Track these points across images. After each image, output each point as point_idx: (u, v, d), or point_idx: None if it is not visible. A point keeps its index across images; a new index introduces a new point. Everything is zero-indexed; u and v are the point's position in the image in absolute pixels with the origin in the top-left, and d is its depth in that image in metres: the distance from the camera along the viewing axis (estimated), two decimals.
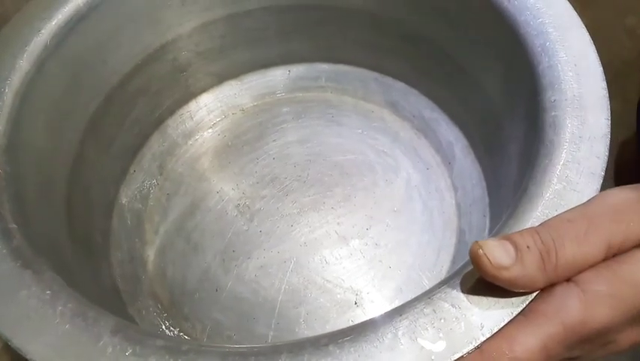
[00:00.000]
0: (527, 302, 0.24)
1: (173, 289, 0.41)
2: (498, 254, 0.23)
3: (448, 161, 0.45)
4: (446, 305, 0.24)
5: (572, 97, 0.30)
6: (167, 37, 0.45)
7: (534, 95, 0.32)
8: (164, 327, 0.39)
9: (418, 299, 0.24)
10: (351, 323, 0.38)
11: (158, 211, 0.45)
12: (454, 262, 0.41)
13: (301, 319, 0.39)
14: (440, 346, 0.23)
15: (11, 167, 0.31)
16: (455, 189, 0.44)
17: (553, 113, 0.30)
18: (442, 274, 0.40)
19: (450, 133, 0.47)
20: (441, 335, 0.23)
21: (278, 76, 0.52)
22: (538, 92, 0.32)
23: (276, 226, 0.43)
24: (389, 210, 0.43)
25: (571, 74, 0.31)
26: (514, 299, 0.24)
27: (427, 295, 0.24)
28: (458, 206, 0.43)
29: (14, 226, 0.28)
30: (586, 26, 0.33)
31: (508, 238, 0.24)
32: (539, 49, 0.33)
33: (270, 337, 0.39)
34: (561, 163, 0.28)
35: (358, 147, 0.47)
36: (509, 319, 0.23)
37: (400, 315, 0.24)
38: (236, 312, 0.40)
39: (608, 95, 0.30)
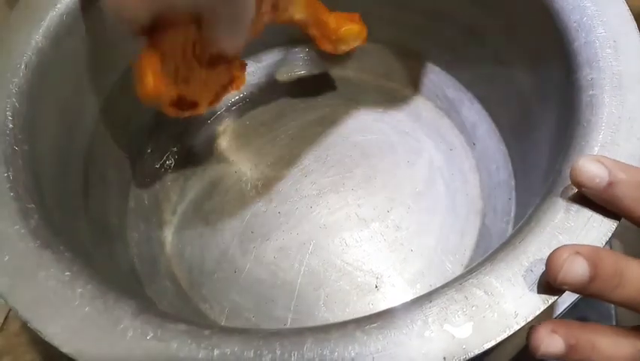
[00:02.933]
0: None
1: (192, 270, 0.41)
2: None
3: (472, 142, 0.44)
4: (478, 292, 0.23)
5: (610, 75, 0.29)
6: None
7: (569, 73, 0.31)
8: (188, 309, 0.39)
9: (448, 285, 0.24)
10: (371, 307, 0.38)
11: (175, 191, 0.44)
12: (477, 245, 0.40)
13: (321, 302, 0.38)
14: (472, 334, 0.22)
15: (29, 145, 0.31)
16: (479, 171, 0.43)
17: (590, 92, 0.28)
18: (466, 257, 0.39)
19: (474, 113, 0.45)
20: (473, 322, 0.22)
21: (297, 53, 0.51)
22: (573, 71, 0.30)
23: (295, 207, 0.42)
24: (411, 192, 0.42)
25: (609, 51, 0.29)
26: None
27: (458, 281, 0.23)
28: (482, 188, 0.42)
29: (32, 205, 0.28)
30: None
31: None
32: (575, 24, 0.31)
33: (289, 319, 0.38)
34: (599, 145, 0.27)
35: (379, 127, 0.46)
36: (545, 307, 0.23)
37: (430, 301, 0.23)
38: (254, 294, 0.39)
39: None
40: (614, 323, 0.39)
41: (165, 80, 0.32)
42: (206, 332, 0.23)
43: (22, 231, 0.27)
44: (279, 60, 0.51)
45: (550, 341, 0.23)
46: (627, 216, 0.24)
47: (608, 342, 0.23)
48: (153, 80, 0.32)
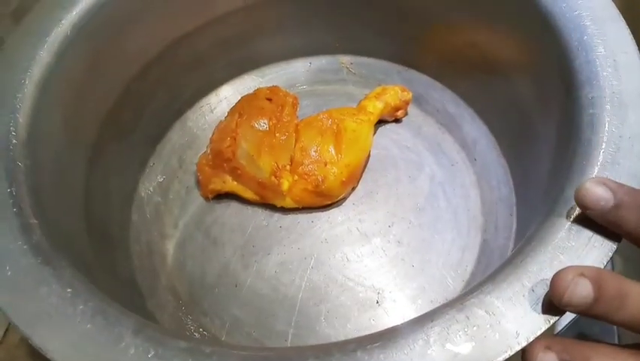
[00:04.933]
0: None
1: (193, 283, 0.41)
2: None
3: (473, 157, 0.44)
4: (480, 312, 0.23)
5: (611, 94, 0.29)
6: (188, 28, 0.44)
7: (569, 91, 0.31)
8: (189, 323, 0.39)
9: (449, 305, 0.24)
10: (372, 322, 0.38)
11: (177, 204, 0.45)
12: (479, 261, 0.40)
13: (322, 317, 0.38)
14: (473, 354, 0.22)
15: (31, 160, 0.31)
16: (480, 186, 0.43)
17: (590, 111, 0.29)
18: (467, 273, 0.39)
19: (475, 129, 0.45)
20: (474, 342, 0.22)
21: (299, 68, 0.51)
22: (574, 89, 0.30)
23: (297, 221, 0.42)
24: (412, 207, 0.42)
25: (610, 69, 0.30)
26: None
27: (460, 301, 0.23)
28: (483, 204, 0.42)
29: (35, 221, 0.28)
30: (625, 19, 0.31)
31: None
32: (576, 43, 0.31)
33: (289, 334, 0.38)
34: (599, 164, 0.27)
35: (380, 142, 0.46)
36: (546, 327, 0.22)
37: (432, 321, 0.23)
38: (255, 308, 0.39)
39: None
40: (616, 339, 0.39)
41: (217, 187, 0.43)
42: (207, 350, 0.23)
43: (25, 247, 0.27)
44: (281, 73, 0.51)
45: (544, 357, 0.23)
46: (630, 239, 0.24)
47: (602, 359, 0.23)
48: (203, 192, 0.44)
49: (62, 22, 0.35)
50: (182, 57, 0.45)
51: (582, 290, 0.22)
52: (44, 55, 0.34)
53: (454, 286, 0.39)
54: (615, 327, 0.40)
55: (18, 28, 0.36)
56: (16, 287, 0.26)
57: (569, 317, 0.37)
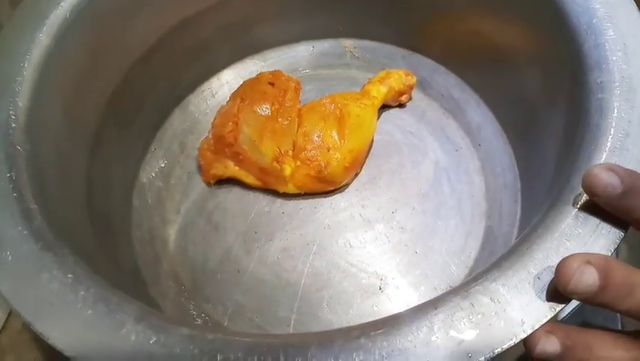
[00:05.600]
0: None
1: (195, 269, 0.41)
2: None
3: (477, 143, 0.44)
4: (485, 299, 0.23)
5: (620, 78, 0.28)
6: (189, 12, 0.43)
7: (578, 76, 0.30)
8: (191, 309, 0.38)
9: (454, 292, 0.23)
10: (375, 309, 0.38)
11: (179, 190, 0.44)
12: (482, 247, 0.40)
13: (324, 303, 0.38)
14: (478, 341, 0.22)
15: (31, 145, 0.31)
16: (485, 172, 0.42)
17: (599, 96, 0.28)
18: (471, 260, 0.39)
19: (480, 114, 0.45)
20: (478, 330, 0.22)
21: (301, 52, 0.50)
22: (582, 73, 0.30)
23: (299, 207, 0.42)
24: (416, 193, 0.42)
25: (619, 53, 0.29)
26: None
27: (464, 288, 0.23)
28: (488, 190, 0.42)
29: (35, 206, 0.28)
30: (636, 2, 0.31)
31: None
32: (585, 26, 0.31)
33: (292, 320, 0.38)
34: (607, 150, 0.26)
35: (384, 127, 0.45)
36: (552, 315, 0.22)
37: (436, 308, 0.23)
38: (258, 294, 0.39)
39: None
40: (619, 326, 0.39)
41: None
42: (210, 337, 0.23)
43: (25, 232, 0.26)
44: (283, 57, 0.51)
45: (547, 341, 0.22)
46: (637, 226, 0.24)
47: (604, 346, 0.23)
48: (205, 178, 0.44)
49: (61, 4, 0.35)
50: (183, 41, 0.45)
51: (588, 278, 0.21)
52: (43, 38, 0.34)
53: (457, 273, 0.39)
54: (619, 315, 0.40)
55: (16, 12, 0.35)
56: (18, 273, 0.25)
57: (572, 304, 0.37)
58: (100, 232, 0.36)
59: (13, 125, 0.30)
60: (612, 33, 0.30)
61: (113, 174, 0.41)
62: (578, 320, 0.37)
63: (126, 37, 0.40)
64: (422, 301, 0.24)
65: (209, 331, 0.23)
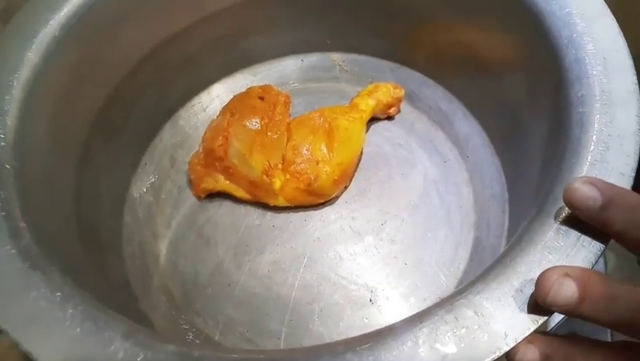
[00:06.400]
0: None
1: (185, 283, 0.41)
2: None
3: (465, 154, 0.44)
4: (469, 312, 0.23)
5: (600, 92, 0.29)
6: (177, 27, 0.44)
7: (559, 89, 0.31)
8: (182, 323, 0.38)
9: (439, 305, 0.24)
10: (365, 321, 0.38)
11: (169, 204, 0.44)
12: (471, 258, 0.40)
13: (315, 316, 0.38)
14: (462, 355, 0.22)
15: (19, 162, 0.31)
16: (473, 183, 0.43)
17: (580, 110, 0.29)
18: (460, 271, 0.39)
19: (467, 126, 0.45)
20: (463, 344, 0.22)
21: (290, 66, 0.51)
22: (564, 87, 0.30)
23: (289, 220, 0.42)
24: (405, 204, 0.42)
25: (599, 67, 0.29)
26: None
27: (449, 301, 0.23)
28: (476, 201, 0.42)
29: (24, 224, 0.28)
30: (615, 17, 0.31)
31: None
32: (565, 41, 0.31)
33: (283, 333, 0.38)
34: (588, 162, 0.27)
35: (373, 139, 0.46)
36: (535, 327, 0.23)
37: (421, 322, 0.23)
38: (248, 308, 0.39)
39: (639, 90, 0.29)
40: (609, 336, 0.39)
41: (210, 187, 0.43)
42: (196, 354, 0.23)
43: (13, 251, 0.27)
44: (273, 71, 0.51)
45: (526, 350, 0.23)
46: (618, 239, 0.24)
47: (583, 355, 0.23)
48: (195, 192, 0.44)
49: (50, 22, 0.35)
50: (172, 56, 0.45)
51: (567, 290, 0.22)
52: (32, 56, 0.34)
53: (446, 283, 0.39)
54: None
55: (6, 29, 0.35)
56: (5, 292, 0.25)
57: (558, 315, 0.37)
58: (89, 246, 0.36)
59: (2, 143, 0.31)
60: (592, 47, 0.30)
61: (103, 189, 0.41)
62: (566, 331, 0.38)
63: (115, 54, 0.40)
64: (412, 313, 0.25)
65: (197, 348, 0.23)
